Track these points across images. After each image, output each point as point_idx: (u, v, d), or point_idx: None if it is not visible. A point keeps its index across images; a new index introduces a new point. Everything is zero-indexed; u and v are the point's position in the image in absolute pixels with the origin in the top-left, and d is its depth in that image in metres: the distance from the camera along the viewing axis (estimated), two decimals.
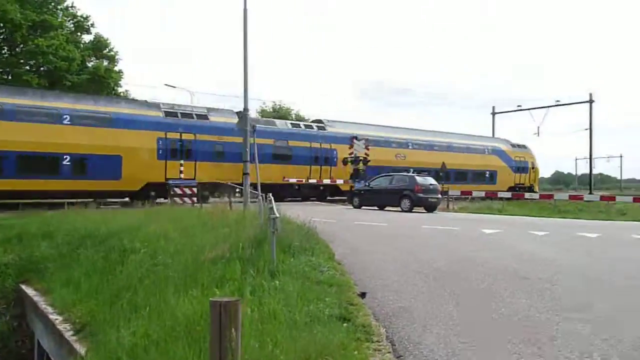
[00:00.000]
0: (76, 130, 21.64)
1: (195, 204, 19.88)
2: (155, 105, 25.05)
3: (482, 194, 30.67)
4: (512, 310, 5.81)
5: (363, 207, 23.61)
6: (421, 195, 22.22)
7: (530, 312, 5.74)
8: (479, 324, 5.39)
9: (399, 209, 22.23)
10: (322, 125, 31.09)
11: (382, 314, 5.74)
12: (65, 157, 21.38)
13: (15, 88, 24.18)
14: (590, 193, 40.37)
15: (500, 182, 37.61)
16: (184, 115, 25.03)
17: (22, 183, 20.32)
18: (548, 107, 46.78)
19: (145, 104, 25.63)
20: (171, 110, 24.94)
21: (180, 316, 5.46)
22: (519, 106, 48.98)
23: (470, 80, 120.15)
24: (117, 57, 39.07)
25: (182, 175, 22.85)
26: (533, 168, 41.89)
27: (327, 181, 29.42)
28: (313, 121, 33.12)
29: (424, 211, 22.22)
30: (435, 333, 5.07)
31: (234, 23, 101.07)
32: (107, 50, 38.96)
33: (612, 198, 30.36)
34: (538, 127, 47.13)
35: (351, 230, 13.33)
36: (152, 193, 22.85)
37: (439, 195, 23.46)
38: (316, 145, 29.44)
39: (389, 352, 4.73)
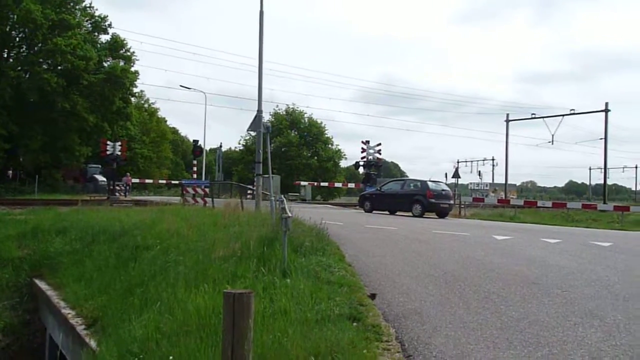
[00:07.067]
0: None
1: (207, 204, 20.01)
2: None
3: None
4: (522, 313, 5.81)
5: (374, 212, 23.60)
6: (433, 200, 22.13)
7: (539, 315, 5.73)
8: (489, 326, 5.39)
9: (410, 214, 22.21)
10: None
11: (392, 315, 5.76)
12: None
13: None
14: (605, 203, 39.94)
15: None
16: None
17: None
18: (563, 115, 46.54)
19: None
20: None
21: (192, 310, 5.52)
22: (533, 114, 48.68)
23: (483, 86, 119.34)
24: (133, 57, 39.54)
25: (194, 176, 23.06)
26: None
27: None
28: None
29: (436, 217, 22.17)
30: (445, 334, 5.09)
31: (240, 24, 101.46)
32: (124, 50, 39.42)
33: (627, 208, 30.19)
34: (552, 136, 47.04)
35: (362, 233, 13.33)
36: None
37: (451, 201, 23.35)
38: None
39: (399, 352, 4.76)
